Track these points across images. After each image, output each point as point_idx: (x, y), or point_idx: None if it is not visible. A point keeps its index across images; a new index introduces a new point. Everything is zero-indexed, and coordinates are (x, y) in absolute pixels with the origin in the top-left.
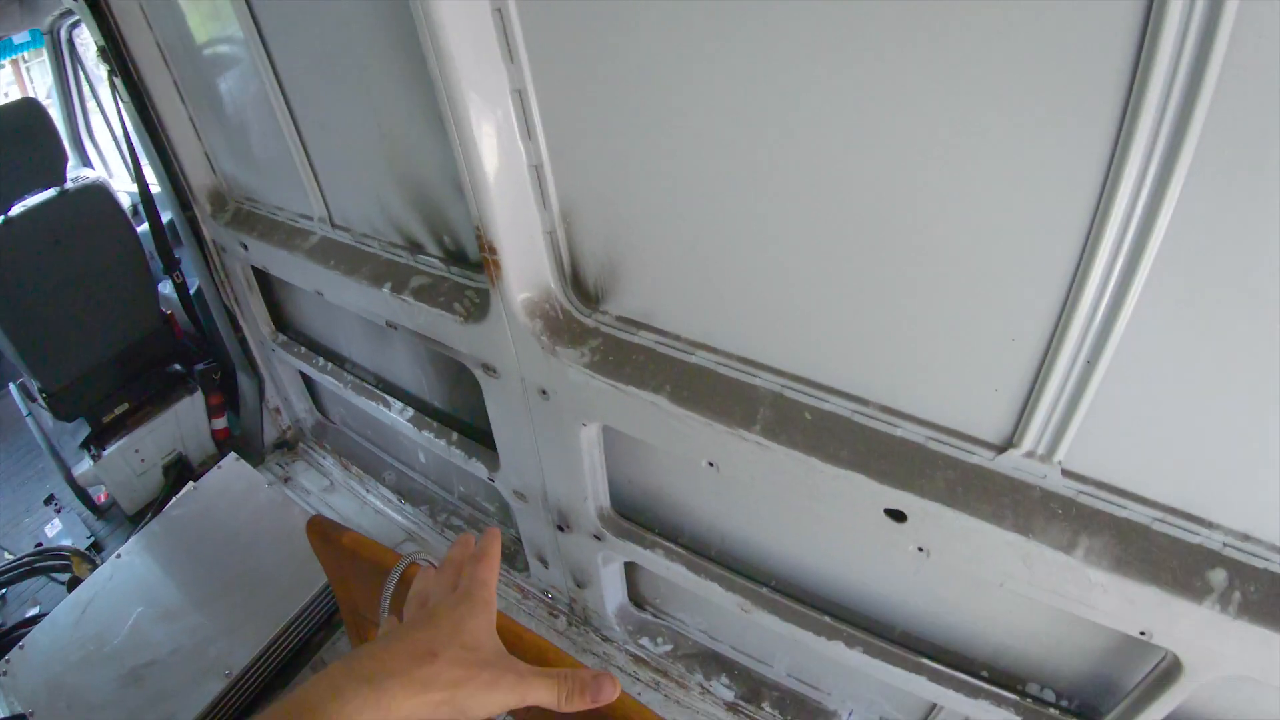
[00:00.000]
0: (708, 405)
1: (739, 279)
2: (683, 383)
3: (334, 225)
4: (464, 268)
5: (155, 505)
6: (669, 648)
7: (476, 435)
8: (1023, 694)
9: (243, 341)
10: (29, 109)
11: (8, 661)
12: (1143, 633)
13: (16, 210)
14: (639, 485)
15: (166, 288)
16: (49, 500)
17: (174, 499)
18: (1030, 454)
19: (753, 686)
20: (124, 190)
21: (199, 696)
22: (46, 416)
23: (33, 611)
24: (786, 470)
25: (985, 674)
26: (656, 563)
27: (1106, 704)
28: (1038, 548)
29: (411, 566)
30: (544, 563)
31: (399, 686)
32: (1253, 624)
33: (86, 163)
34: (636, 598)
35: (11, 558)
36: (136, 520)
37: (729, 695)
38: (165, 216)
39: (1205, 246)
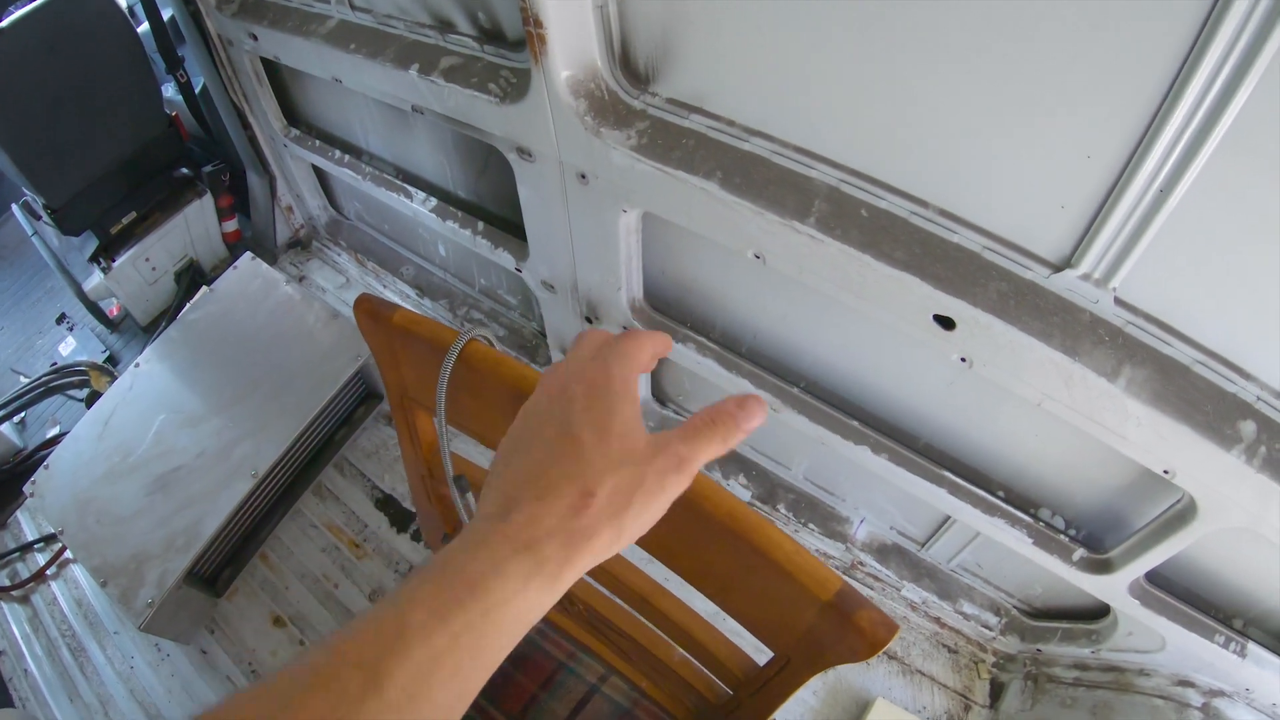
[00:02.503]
0: (761, 194)
1: (804, 62)
2: (735, 170)
3: (354, 8)
4: (500, 46)
5: (169, 313)
6: None
7: (503, 225)
8: (1035, 518)
9: (252, 139)
10: None
11: (34, 483)
12: (1166, 471)
13: (7, 21)
14: (672, 277)
15: (170, 89)
16: (61, 319)
17: (189, 303)
18: (1086, 276)
19: (769, 488)
20: None
21: (227, 498)
22: (52, 233)
23: (53, 432)
24: (838, 267)
25: (1001, 494)
26: (688, 357)
27: (1112, 538)
28: (1081, 370)
29: (471, 342)
30: (564, 352)
31: (559, 548)
32: (1272, 479)
33: None
34: (659, 394)
35: (27, 380)
36: (151, 330)
37: (746, 495)
38: (166, 13)
39: None
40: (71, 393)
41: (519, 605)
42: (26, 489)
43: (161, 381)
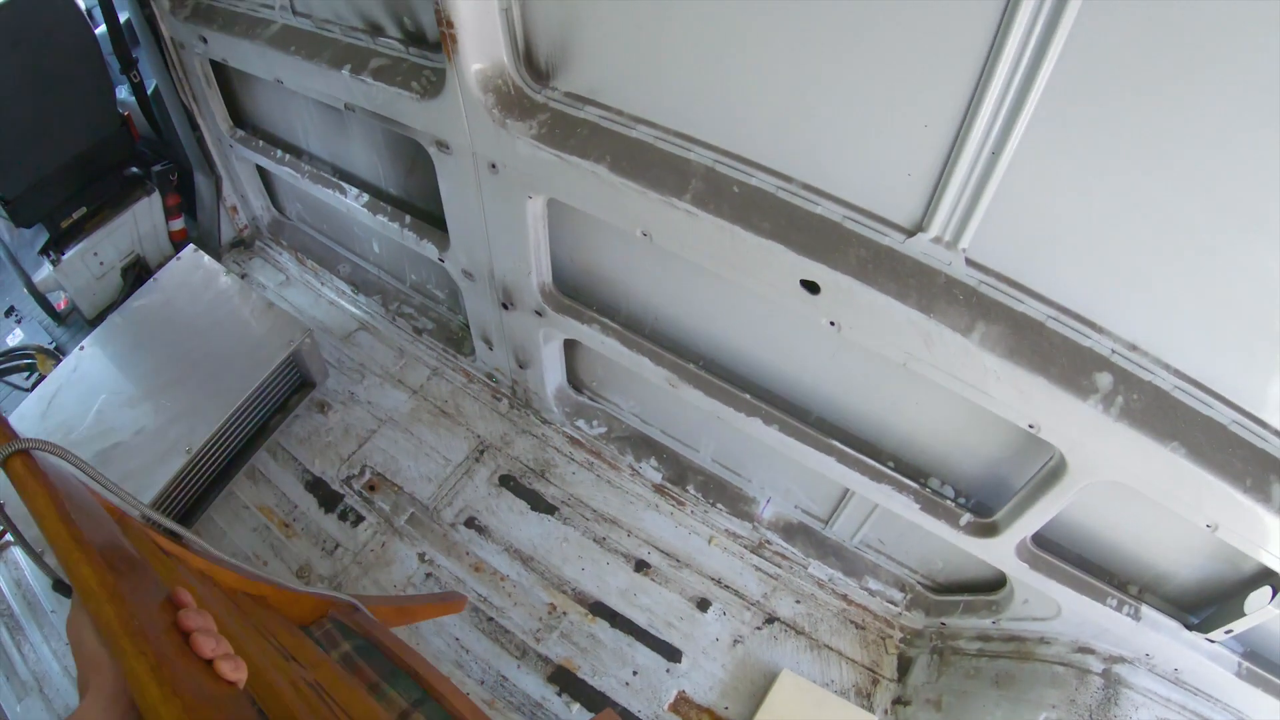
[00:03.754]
0: (644, 176)
1: (679, 56)
2: (622, 154)
3: (295, 13)
4: (422, 48)
5: (115, 308)
6: (603, 430)
7: (428, 219)
8: (924, 485)
9: (200, 140)
10: None
11: None
12: (1031, 425)
13: None
14: (579, 264)
15: (124, 91)
16: (9, 312)
17: (136, 292)
18: (937, 240)
19: (679, 470)
20: None
21: (161, 472)
22: (4, 226)
23: None
24: (713, 240)
25: (891, 464)
26: (593, 338)
27: (997, 503)
28: (937, 328)
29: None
30: (489, 344)
31: None
32: (1133, 429)
33: None
34: (575, 381)
35: None
36: (97, 324)
37: (657, 477)
38: (123, 16)
39: (1111, 46)
40: (14, 379)
41: None
42: None
43: (104, 364)
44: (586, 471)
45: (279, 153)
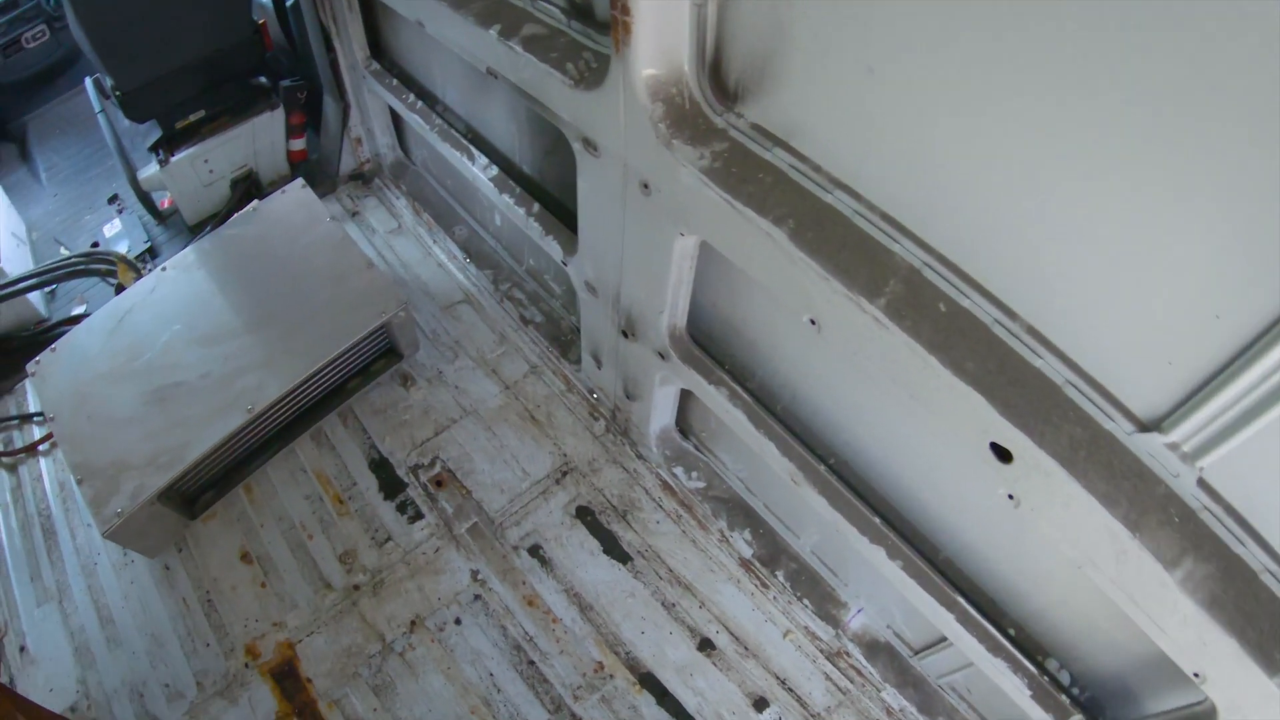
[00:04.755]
0: (832, 258)
1: (913, 122)
2: (809, 222)
3: None
4: (587, 24)
5: (217, 219)
6: (702, 485)
7: (559, 212)
8: (1041, 668)
9: (334, 64)
10: None
11: (38, 363)
12: (1196, 675)
13: None
14: (720, 312)
15: None
16: (112, 199)
17: (233, 217)
18: (1173, 446)
19: (773, 550)
20: None
21: (218, 427)
22: (119, 115)
23: (78, 309)
24: (897, 359)
25: (1013, 631)
26: (717, 402)
27: (1114, 711)
28: (1139, 549)
29: None
30: (598, 362)
31: None
32: None
33: None
34: (683, 424)
35: (65, 253)
36: (196, 231)
37: (747, 551)
38: None
39: None
40: (108, 279)
41: None
42: (30, 367)
43: (184, 291)
44: (673, 524)
45: (411, 97)
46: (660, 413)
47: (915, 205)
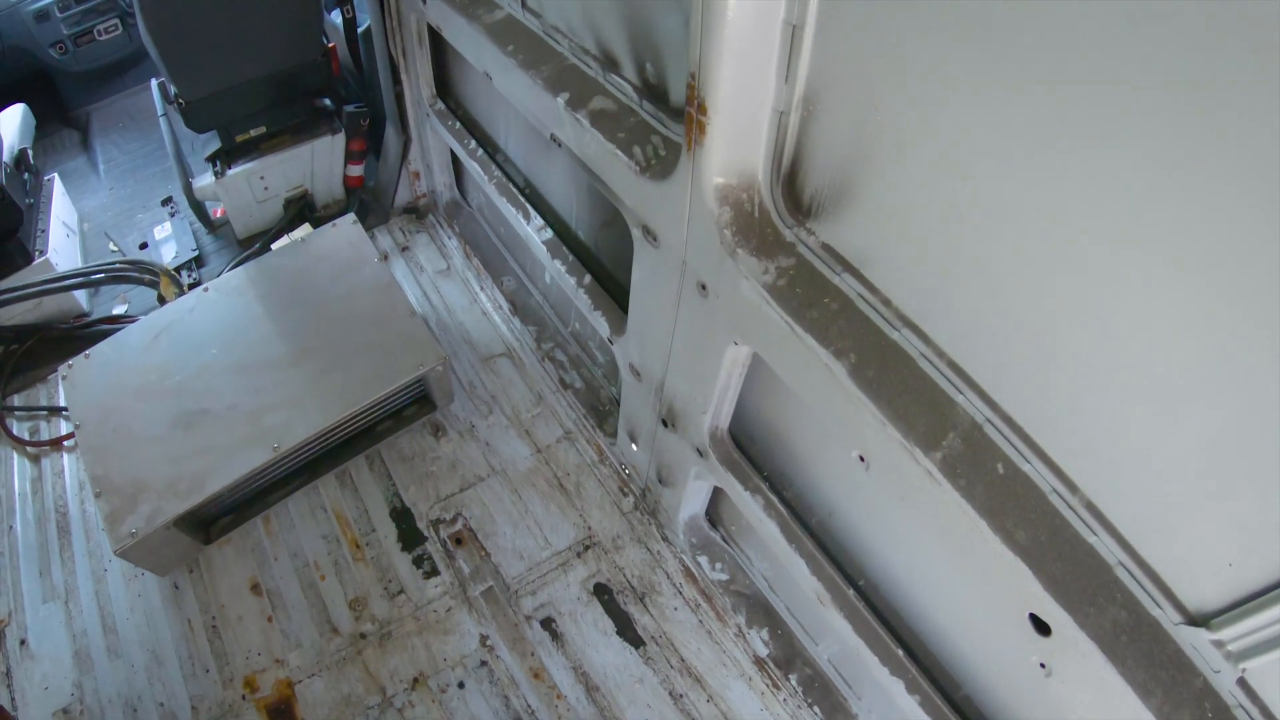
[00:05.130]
0: (891, 402)
1: (999, 274)
2: (871, 359)
3: (525, 7)
4: (659, 108)
5: (268, 236)
6: (725, 578)
7: (609, 286)
8: None
9: (399, 96)
10: None
11: (70, 367)
12: None
13: None
14: (765, 417)
15: (335, 18)
16: (166, 201)
17: (277, 245)
18: (1218, 644)
19: (789, 654)
20: None
21: (241, 461)
22: (180, 122)
23: (120, 308)
24: (946, 515)
25: None
26: (750, 509)
27: None
28: None
29: None
30: (634, 441)
31: None
32: None
33: None
34: (713, 513)
35: (115, 250)
36: (246, 245)
37: (763, 650)
38: None
39: None
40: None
41: None
42: (62, 370)
43: (222, 315)
44: (690, 613)
45: (472, 143)
46: (691, 503)
47: (986, 358)
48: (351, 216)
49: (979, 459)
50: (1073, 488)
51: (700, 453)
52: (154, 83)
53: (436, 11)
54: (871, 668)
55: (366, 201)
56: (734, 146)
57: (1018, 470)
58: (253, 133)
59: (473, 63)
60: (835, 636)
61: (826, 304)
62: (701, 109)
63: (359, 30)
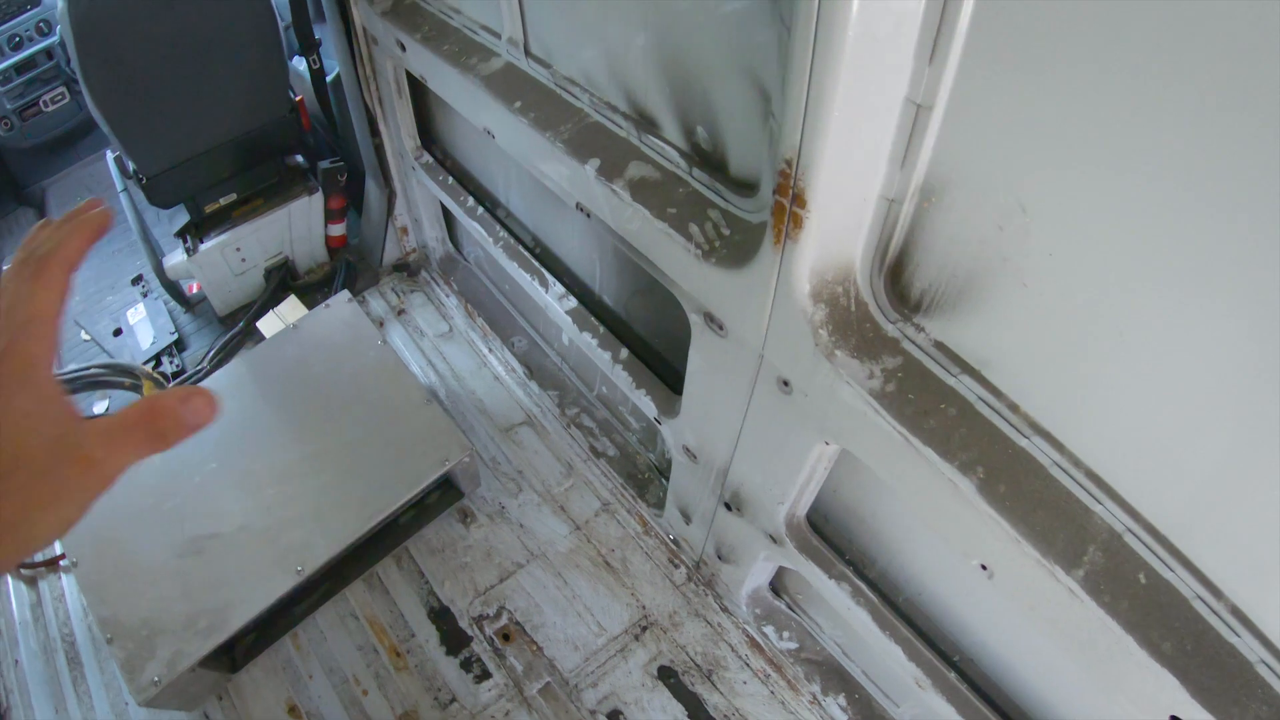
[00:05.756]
0: (1026, 517)
1: (1152, 386)
2: (1001, 472)
3: (529, 55)
4: (716, 178)
5: (252, 313)
6: (794, 646)
7: (650, 359)
8: None
9: (379, 149)
10: None
11: None
12: None
13: None
14: (844, 500)
15: (298, 63)
16: (136, 280)
17: (267, 329)
18: None
19: (868, 717)
20: None
21: (263, 591)
22: (142, 195)
23: (100, 406)
24: (1086, 631)
25: None
26: (835, 595)
27: None
28: None
29: None
30: (686, 517)
31: None
32: None
33: None
34: (777, 582)
35: (87, 340)
36: (228, 323)
37: (841, 717)
38: None
39: None
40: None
41: None
42: None
43: (218, 422)
44: (760, 684)
45: (470, 200)
46: (756, 578)
47: (1129, 465)
48: (345, 295)
49: (1121, 571)
50: (1217, 593)
51: (774, 539)
52: (109, 155)
53: (419, 61)
54: None
55: (354, 264)
56: (833, 238)
57: (1160, 578)
58: (222, 201)
59: (469, 119)
60: (914, 688)
61: (944, 410)
62: (799, 201)
63: (328, 79)
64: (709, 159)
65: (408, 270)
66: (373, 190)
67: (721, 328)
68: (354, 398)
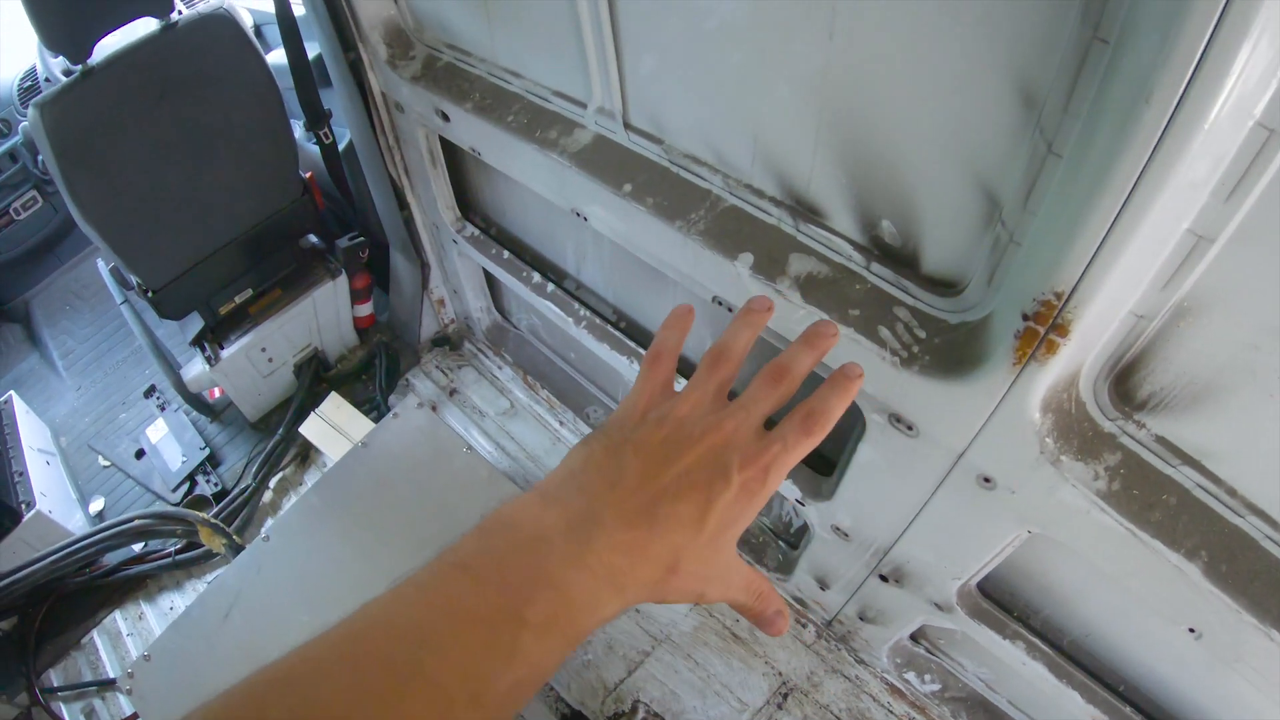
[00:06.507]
0: (1244, 589)
1: None
2: (1222, 553)
3: (629, 127)
4: (901, 273)
5: (290, 415)
6: (936, 688)
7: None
8: None
9: (408, 222)
10: None
11: (131, 676)
12: None
13: (102, 58)
14: (1016, 563)
15: (298, 131)
16: (150, 392)
17: (338, 462)
18: None
19: None
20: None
21: None
22: (149, 309)
23: (138, 547)
24: None
25: None
26: (1008, 653)
27: None
28: None
29: None
30: (822, 585)
31: (642, 595)
32: None
33: None
34: (916, 631)
35: (106, 466)
36: (261, 429)
37: None
38: (311, 51)
39: None
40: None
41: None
42: (122, 681)
43: (299, 565)
44: None
45: (533, 274)
46: (901, 633)
47: None
48: (415, 400)
49: None
50: None
51: (940, 607)
52: (101, 266)
53: (470, 132)
54: None
55: (393, 348)
56: (1077, 356)
57: None
58: (238, 300)
59: (553, 200)
60: (1063, 704)
61: (1165, 500)
62: (1060, 330)
63: (340, 147)
64: (894, 254)
65: (449, 344)
66: (402, 264)
67: (911, 428)
68: (446, 517)
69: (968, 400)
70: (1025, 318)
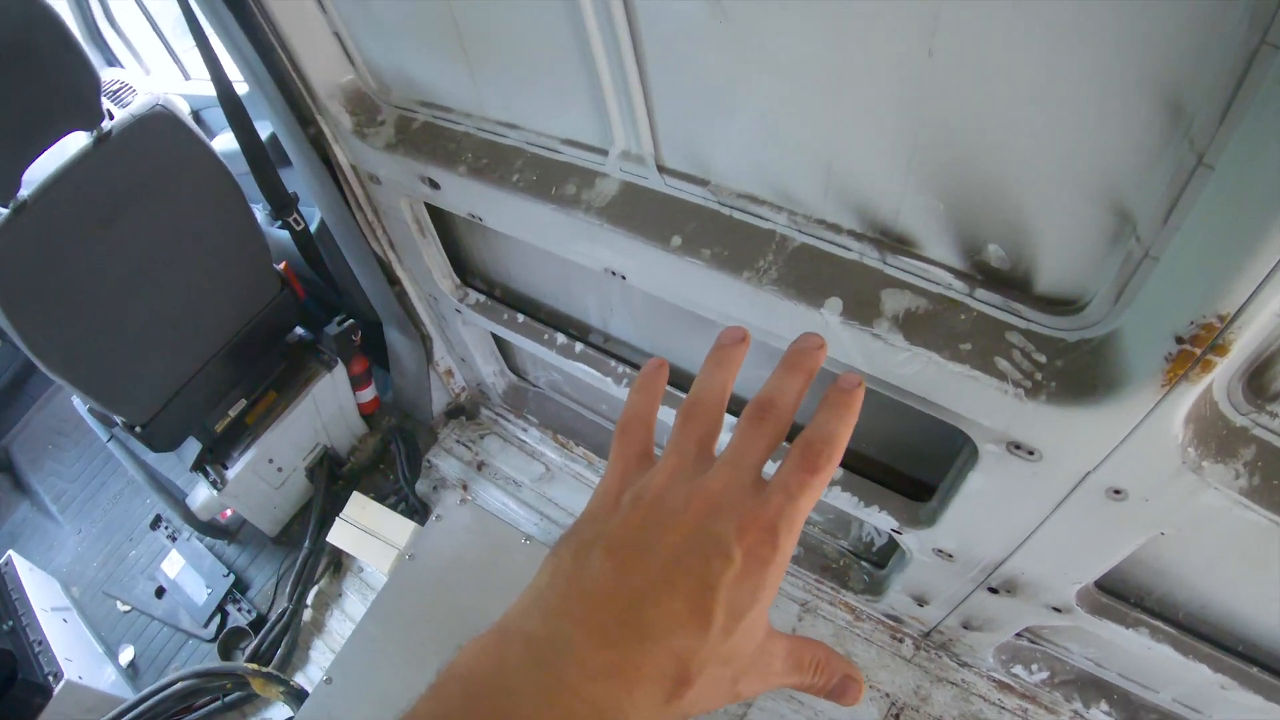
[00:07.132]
0: None
1: None
2: None
3: (662, 170)
4: (1011, 296)
5: (313, 525)
6: (1045, 675)
7: (876, 474)
8: None
9: (401, 296)
10: (24, 11)
11: None
12: None
13: (31, 190)
14: (1143, 559)
15: (261, 218)
16: (156, 523)
17: (389, 582)
18: None
19: (1131, 712)
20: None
21: None
22: (139, 444)
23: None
24: None
25: None
26: (1131, 641)
27: None
28: None
29: None
30: (920, 602)
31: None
32: None
33: (113, 60)
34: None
35: (126, 610)
36: (283, 542)
37: None
38: (263, 132)
39: None
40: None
41: None
42: None
43: (368, 706)
44: (1016, 719)
45: (556, 336)
46: (1010, 635)
47: None
48: (459, 497)
49: None
50: None
51: (1058, 610)
52: (79, 404)
53: (467, 197)
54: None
55: (407, 429)
56: (1228, 367)
57: None
58: (232, 413)
59: (584, 261)
60: (1176, 670)
61: None
62: (1220, 350)
63: (313, 229)
64: (1002, 278)
65: (465, 414)
66: (400, 341)
67: (1033, 453)
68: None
69: (1103, 423)
70: (1180, 340)
